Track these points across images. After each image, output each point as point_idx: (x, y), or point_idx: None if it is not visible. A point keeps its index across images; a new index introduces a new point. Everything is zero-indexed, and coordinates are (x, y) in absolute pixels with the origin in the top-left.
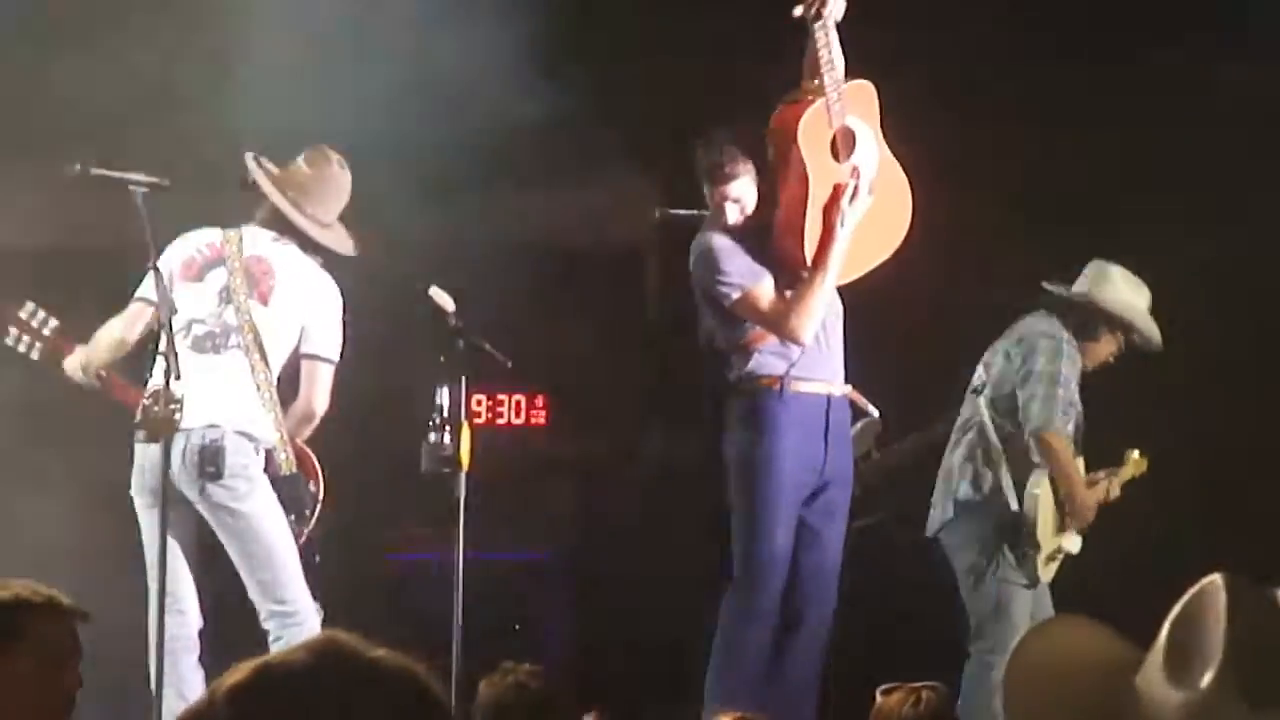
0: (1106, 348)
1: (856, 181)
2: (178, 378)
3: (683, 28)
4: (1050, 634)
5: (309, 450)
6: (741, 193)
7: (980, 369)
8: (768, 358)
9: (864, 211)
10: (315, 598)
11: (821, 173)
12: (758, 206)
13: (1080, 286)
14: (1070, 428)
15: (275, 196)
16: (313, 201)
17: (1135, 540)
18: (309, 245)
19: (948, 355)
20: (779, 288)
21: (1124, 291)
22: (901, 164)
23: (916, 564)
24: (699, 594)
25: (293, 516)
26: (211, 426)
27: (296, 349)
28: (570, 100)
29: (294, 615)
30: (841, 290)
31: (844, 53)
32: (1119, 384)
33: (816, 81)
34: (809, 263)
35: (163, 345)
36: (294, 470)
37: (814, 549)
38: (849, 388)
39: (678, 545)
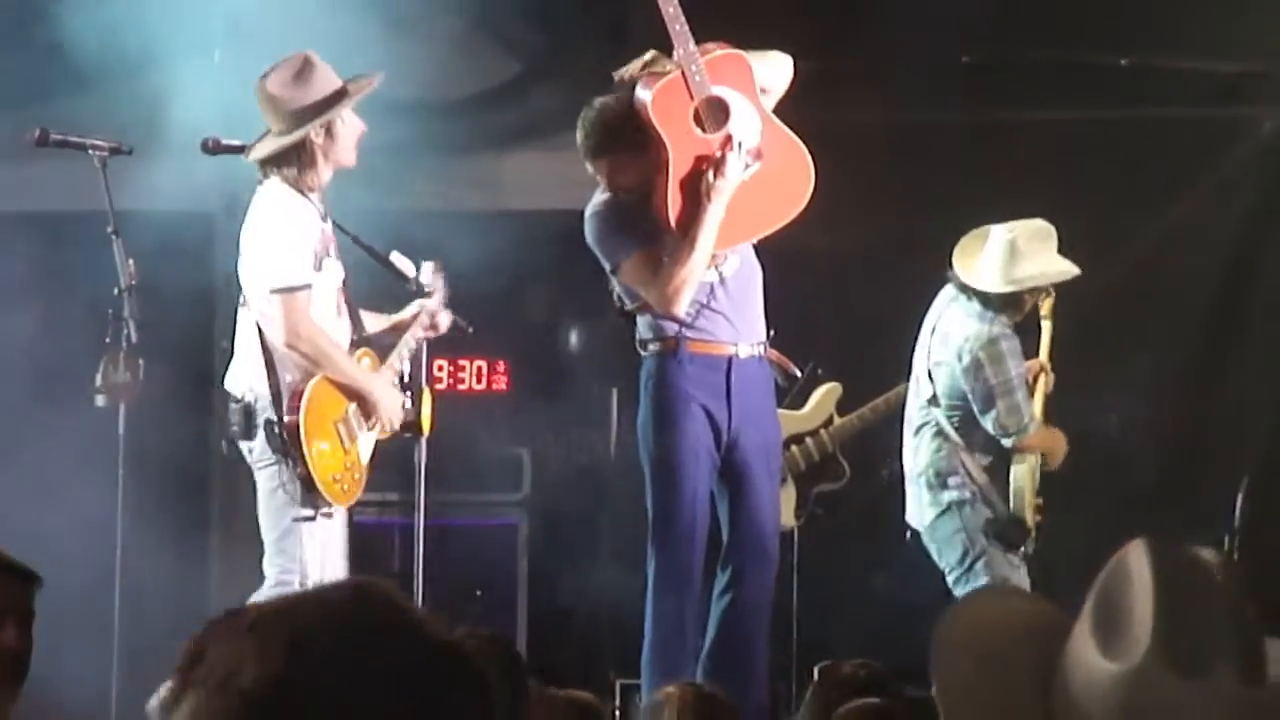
0: (1032, 300)
1: (725, 152)
2: (132, 342)
3: None
4: (980, 604)
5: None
6: (608, 168)
7: (922, 375)
8: (664, 320)
9: (741, 180)
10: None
11: (682, 145)
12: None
13: (991, 267)
14: (1032, 405)
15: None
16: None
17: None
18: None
19: (904, 321)
20: (656, 258)
21: (1035, 262)
22: (860, 132)
23: (876, 528)
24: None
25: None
26: None
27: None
28: (522, 64)
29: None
30: (764, 253)
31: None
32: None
33: (675, 55)
34: (676, 234)
35: (125, 310)
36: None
37: (739, 510)
38: (764, 348)
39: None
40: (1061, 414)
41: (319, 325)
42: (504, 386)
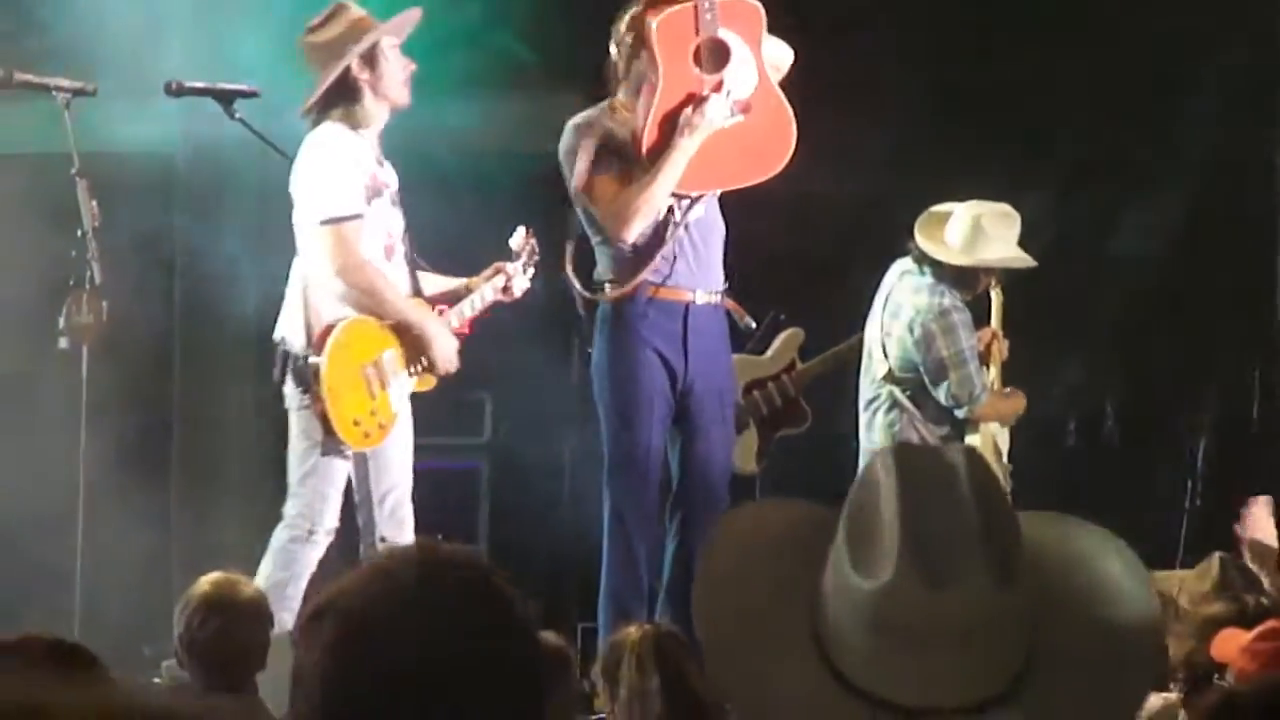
0: (985, 282)
1: (714, 94)
2: (95, 282)
3: None
4: (750, 515)
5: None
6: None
7: (875, 348)
8: (623, 264)
9: (722, 128)
10: None
11: (675, 76)
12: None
13: (954, 241)
14: (984, 375)
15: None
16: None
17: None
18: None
19: (867, 267)
20: (621, 183)
21: (998, 245)
22: (827, 77)
23: (839, 474)
24: None
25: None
26: None
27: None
28: (495, 9)
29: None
30: (727, 196)
31: None
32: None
33: None
34: (644, 160)
35: (89, 252)
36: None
37: (690, 456)
38: (719, 296)
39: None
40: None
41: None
42: (465, 329)
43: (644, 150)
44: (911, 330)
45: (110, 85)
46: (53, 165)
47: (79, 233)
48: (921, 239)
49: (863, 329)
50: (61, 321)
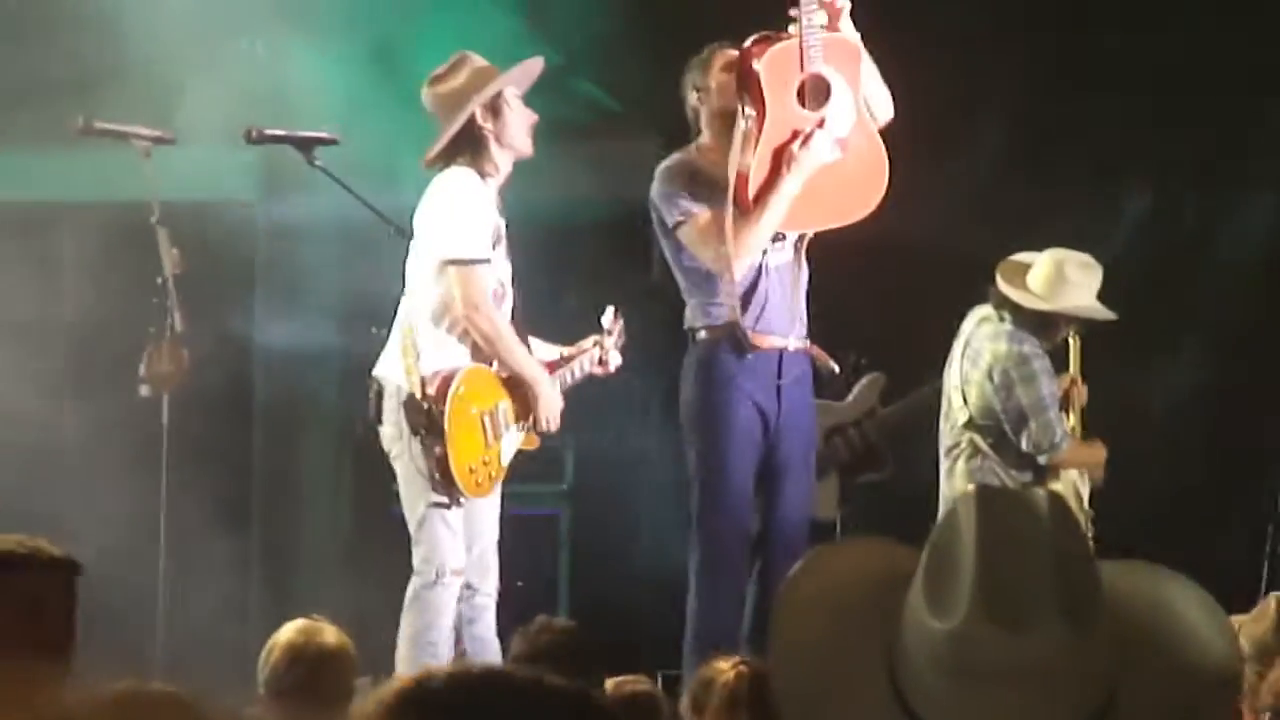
0: (1065, 332)
1: (818, 131)
2: (176, 330)
3: None
4: (832, 557)
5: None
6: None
7: (954, 395)
8: (722, 309)
9: (821, 166)
10: None
11: (779, 113)
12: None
13: (1036, 287)
14: (1065, 422)
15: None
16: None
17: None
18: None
19: (948, 313)
20: (720, 221)
21: (1081, 293)
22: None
23: (920, 519)
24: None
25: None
26: None
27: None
28: (573, 54)
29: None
30: (811, 248)
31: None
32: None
33: (795, 21)
34: (750, 200)
35: (169, 300)
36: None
37: (776, 503)
38: (807, 343)
39: (684, 501)
40: (1109, 399)
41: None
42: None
43: (750, 189)
44: (991, 377)
45: (190, 133)
46: (133, 214)
47: (159, 281)
48: (1003, 284)
49: (942, 374)
50: (142, 369)
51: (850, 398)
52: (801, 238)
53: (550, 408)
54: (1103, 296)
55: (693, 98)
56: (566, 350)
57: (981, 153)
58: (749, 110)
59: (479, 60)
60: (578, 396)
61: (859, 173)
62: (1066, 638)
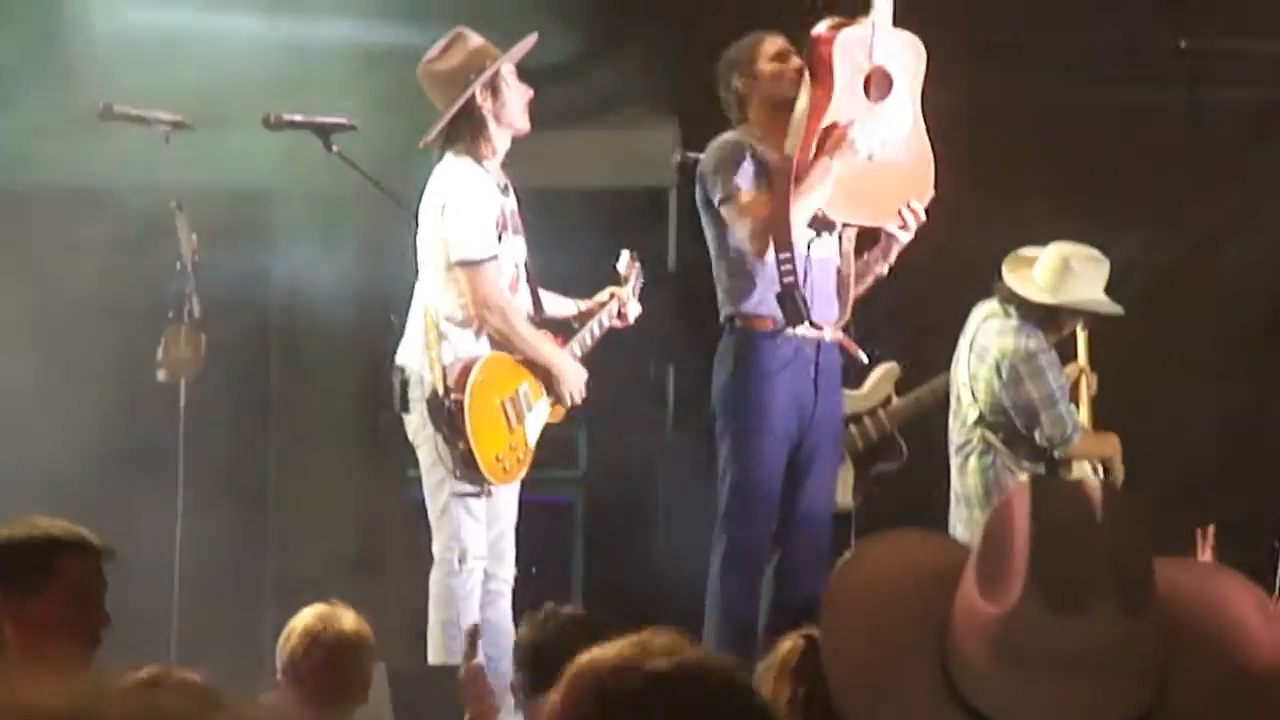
0: (1071, 325)
1: (868, 122)
2: (194, 315)
3: None
4: (879, 548)
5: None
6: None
7: (963, 392)
8: (763, 297)
9: (868, 160)
10: None
11: (845, 96)
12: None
13: (1042, 281)
14: (1076, 413)
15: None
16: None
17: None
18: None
19: (963, 303)
20: (766, 200)
21: (1086, 285)
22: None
23: (934, 509)
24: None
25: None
26: None
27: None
28: (590, 43)
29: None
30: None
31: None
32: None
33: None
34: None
35: (187, 285)
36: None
37: (802, 491)
38: (841, 333)
39: (699, 487)
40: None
41: (506, 296)
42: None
43: (796, 164)
44: (999, 373)
45: (208, 118)
46: (152, 198)
47: (177, 266)
48: (1009, 278)
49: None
50: (160, 354)
51: (865, 387)
52: (844, 232)
53: (573, 384)
54: (1111, 290)
55: (739, 83)
56: (584, 304)
57: (1000, 149)
58: (816, 89)
59: (475, 38)
60: (592, 381)
61: (908, 176)
62: (1119, 624)
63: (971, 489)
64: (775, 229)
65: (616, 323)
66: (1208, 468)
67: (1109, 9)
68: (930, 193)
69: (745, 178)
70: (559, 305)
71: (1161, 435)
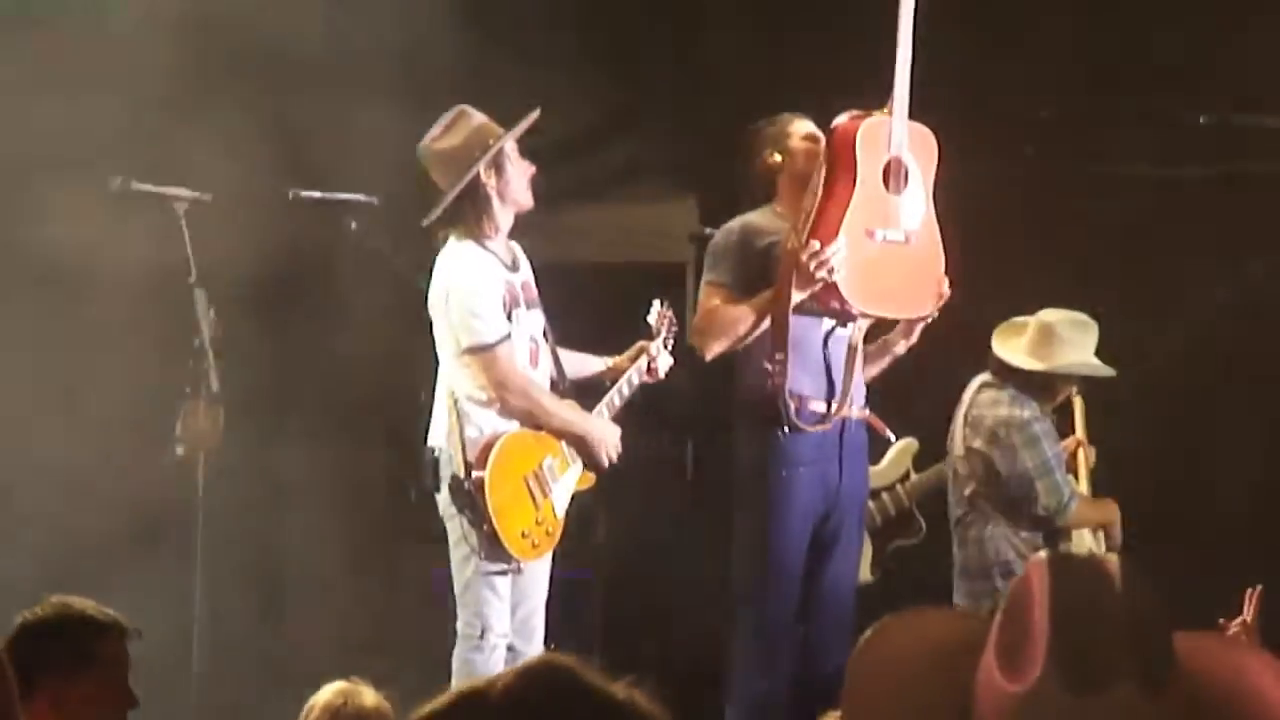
0: (1065, 391)
1: (833, 255)
2: (212, 390)
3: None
4: (896, 628)
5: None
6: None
7: (959, 466)
8: (789, 376)
9: (890, 250)
10: None
11: (867, 188)
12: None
13: (1030, 349)
14: (1073, 483)
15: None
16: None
17: None
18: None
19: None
20: (738, 301)
21: (1074, 350)
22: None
23: (951, 584)
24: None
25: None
26: None
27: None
28: (609, 117)
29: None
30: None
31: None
32: None
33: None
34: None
35: (206, 361)
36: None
37: (827, 568)
38: (867, 411)
39: (719, 564)
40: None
41: (524, 374)
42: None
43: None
44: (995, 444)
45: (226, 194)
46: (171, 274)
47: (196, 342)
48: (999, 348)
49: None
50: (178, 429)
51: (884, 462)
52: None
53: (608, 445)
54: (1102, 353)
55: (771, 158)
56: (613, 360)
57: (1015, 218)
58: (839, 179)
59: (477, 115)
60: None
61: (922, 267)
62: (1137, 700)
63: (972, 561)
64: (774, 324)
65: (647, 378)
66: (1241, 528)
67: (1121, 83)
68: (936, 290)
69: (737, 273)
70: (586, 364)
71: (1192, 495)
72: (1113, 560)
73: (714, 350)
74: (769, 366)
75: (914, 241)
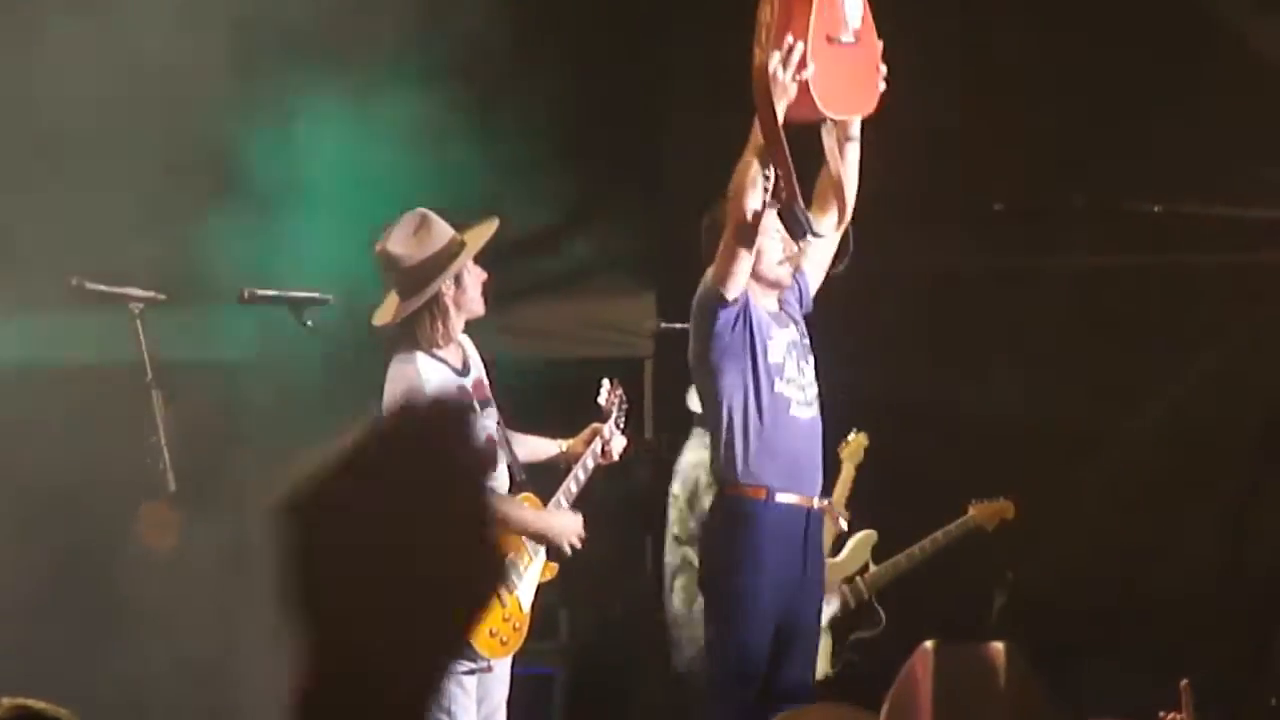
0: None
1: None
2: (169, 490)
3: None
4: (808, 717)
5: None
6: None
7: None
8: (756, 465)
9: (839, 48)
10: None
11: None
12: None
13: None
14: None
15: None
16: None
17: None
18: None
19: (938, 468)
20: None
21: None
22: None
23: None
24: None
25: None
26: None
27: None
28: (566, 213)
29: None
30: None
31: None
32: None
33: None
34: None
35: (162, 462)
36: None
37: (783, 663)
38: (827, 502)
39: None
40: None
41: None
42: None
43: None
44: None
45: (181, 294)
46: (126, 375)
47: (152, 440)
48: None
49: (935, 531)
50: (137, 529)
51: (843, 554)
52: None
53: (569, 535)
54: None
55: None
56: (566, 444)
57: (971, 309)
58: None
59: (440, 225)
60: (570, 553)
61: (869, 62)
62: None
63: None
64: (768, 142)
65: (601, 460)
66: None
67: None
68: (875, 96)
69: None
70: (541, 448)
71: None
72: (998, 649)
73: (749, 212)
74: (770, 185)
75: (860, 40)
